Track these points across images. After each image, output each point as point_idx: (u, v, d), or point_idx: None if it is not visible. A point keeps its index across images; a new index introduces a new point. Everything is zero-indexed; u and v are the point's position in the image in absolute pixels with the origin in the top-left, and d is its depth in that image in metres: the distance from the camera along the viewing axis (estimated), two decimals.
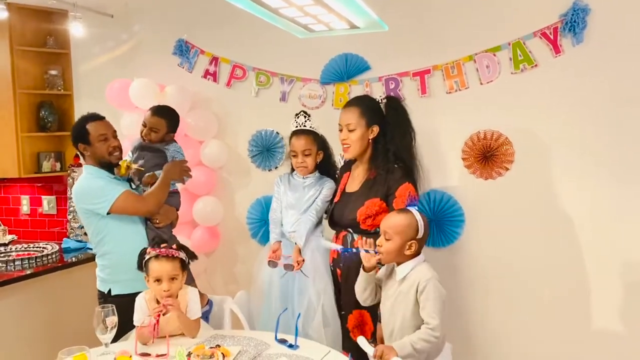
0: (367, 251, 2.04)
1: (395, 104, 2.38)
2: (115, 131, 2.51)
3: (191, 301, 2.11)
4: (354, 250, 2.11)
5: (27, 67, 3.40)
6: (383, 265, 2.10)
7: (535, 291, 2.62)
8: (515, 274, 2.65)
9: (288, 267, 2.41)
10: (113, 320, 1.92)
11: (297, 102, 2.98)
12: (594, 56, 2.44)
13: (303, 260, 2.40)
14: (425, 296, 1.91)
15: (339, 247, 2.28)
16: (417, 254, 2.00)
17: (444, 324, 1.90)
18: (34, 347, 2.81)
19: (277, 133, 3.06)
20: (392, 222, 2.00)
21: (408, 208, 2.04)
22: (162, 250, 2.04)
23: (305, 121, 2.52)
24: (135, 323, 2.07)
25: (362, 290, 2.12)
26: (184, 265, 2.09)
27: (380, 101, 2.38)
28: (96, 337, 1.92)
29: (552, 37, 2.49)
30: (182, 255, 2.09)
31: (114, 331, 1.93)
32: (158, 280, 2.03)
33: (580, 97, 2.47)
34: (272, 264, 2.44)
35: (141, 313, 2.07)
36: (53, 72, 3.47)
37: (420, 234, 1.97)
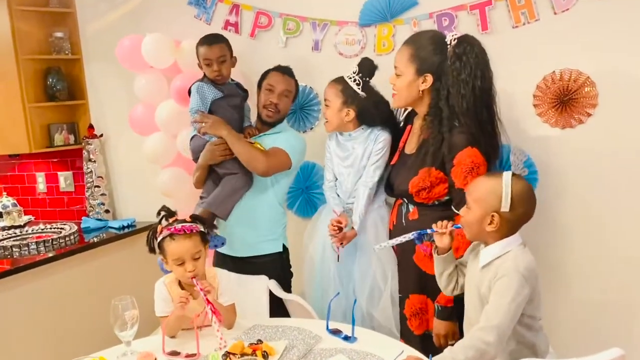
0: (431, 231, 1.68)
1: (463, 49, 1.83)
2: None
3: (222, 284, 1.83)
4: (429, 231, 1.70)
5: (30, 30, 3.06)
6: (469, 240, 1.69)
7: (627, 254, 2.26)
8: (603, 235, 2.29)
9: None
10: (133, 314, 1.62)
11: (332, 50, 2.59)
12: None
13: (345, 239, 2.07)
14: (495, 290, 1.49)
15: (403, 238, 1.76)
16: (504, 233, 1.56)
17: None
18: (53, 338, 2.57)
19: (311, 89, 2.68)
20: (472, 187, 1.63)
21: (502, 171, 1.60)
22: (176, 228, 1.73)
23: None
24: (158, 314, 1.79)
25: (438, 276, 1.75)
26: (205, 239, 1.79)
27: (449, 42, 1.88)
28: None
29: None
30: (200, 227, 1.78)
31: (136, 327, 1.64)
32: (179, 262, 1.72)
33: None
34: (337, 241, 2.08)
35: (163, 301, 1.79)
36: (59, 35, 3.14)
37: (505, 207, 1.53)
